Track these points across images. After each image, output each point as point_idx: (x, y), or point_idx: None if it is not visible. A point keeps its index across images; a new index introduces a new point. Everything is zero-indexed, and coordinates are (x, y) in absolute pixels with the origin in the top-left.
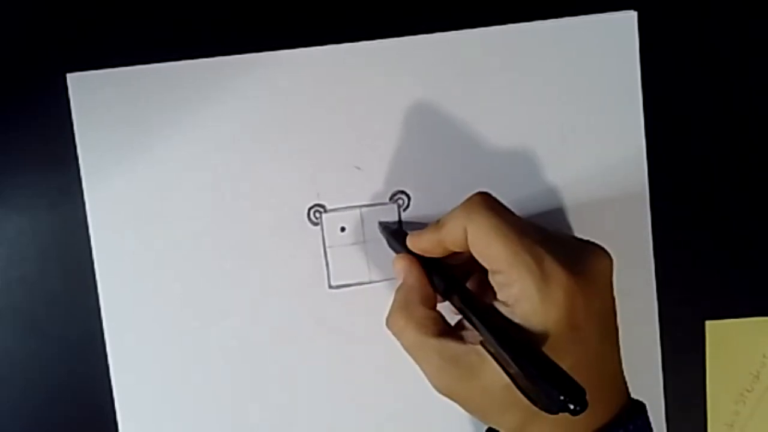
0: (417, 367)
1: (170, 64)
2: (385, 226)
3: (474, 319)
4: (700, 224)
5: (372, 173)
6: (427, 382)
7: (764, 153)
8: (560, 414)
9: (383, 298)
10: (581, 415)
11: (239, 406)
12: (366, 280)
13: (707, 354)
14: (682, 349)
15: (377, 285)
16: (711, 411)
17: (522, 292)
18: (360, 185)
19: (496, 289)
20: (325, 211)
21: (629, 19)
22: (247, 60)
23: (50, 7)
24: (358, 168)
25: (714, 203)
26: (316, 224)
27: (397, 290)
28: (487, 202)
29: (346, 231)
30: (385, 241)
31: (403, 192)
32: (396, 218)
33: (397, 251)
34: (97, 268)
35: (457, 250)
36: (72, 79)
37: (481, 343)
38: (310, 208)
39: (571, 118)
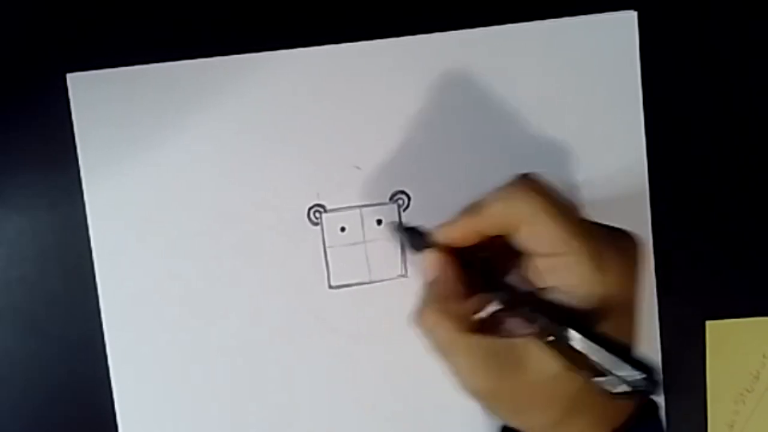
0: (417, 367)
1: (170, 64)
2: (397, 226)
3: (529, 307)
4: (700, 224)
5: (372, 173)
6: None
7: (764, 153)
8: (600, 405)
9: (383, 298)
10: (616, 406)
11: (239, 406)
12: (366, 280)
13: (707, 354)
14: (682, 349)
15: (377, 285)
16: (711, 411)
17: (580, 277)
18: (360, 185)
19: (542, 273)
20: (325, 211)
21: (629, 19)
22: (247, 60)
23: (50, 7)
24: (358, 168)
25: (714, 203)
26: (316, 224)
27: (429, 286)
28: (539, 184)
29: (346, 231)
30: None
31: (403, 192)
32: (396, 218)
33: (416, 248)
34: (97, 268)
35: (497, 233)
36: (72, 79)
37: (536, 335)
38: (310, 208)
39: (571, 118)
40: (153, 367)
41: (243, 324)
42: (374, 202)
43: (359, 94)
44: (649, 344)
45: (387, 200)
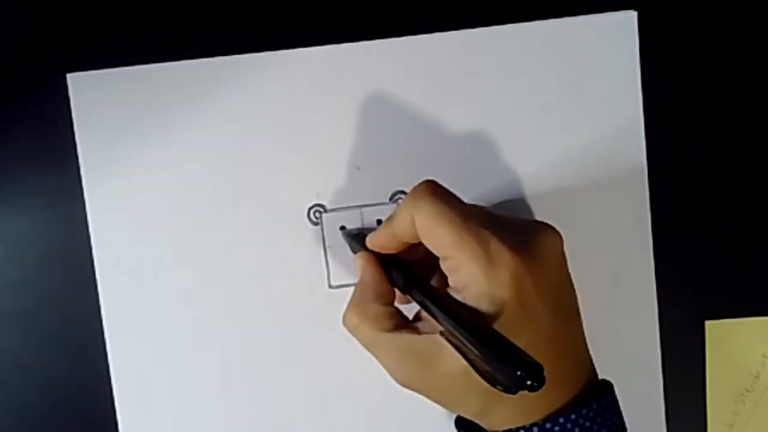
0: None
1: (170, 64)
2: (347, 233)
3: (431, 306)
4: (700, 225)
5: (372, 173)
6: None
7: (764, 154)
8: (520, 393)
9: None
10: (541, 394)
11: (239, 406)
12: None
13: (707, 354)
14: (682, 349)
15: None
16: (711, 411)
17: (469, 276)
18: (360, 185)
19: (447, 275)
20: (325, 211)
21: (629, 19)
22: (247, 60)
23: (50, 7)
24: (358, 168)
25: (714, 203)
26: (316, 224)
27: (354, 288)
28: (431, 189)
29: (346, 231)
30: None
31: (403, 192)
32: None
33: (354, 253)
34: (97, 268)
35: (409, 240)
36: (72, 79)
37: (441, 333)
38: (310, 208)
39: (571, 118)
40: (153, 367)
41: (243, 324)
42: (374, 202)
43: (359, 93)
44: (649, 344)
45: (387, 200)
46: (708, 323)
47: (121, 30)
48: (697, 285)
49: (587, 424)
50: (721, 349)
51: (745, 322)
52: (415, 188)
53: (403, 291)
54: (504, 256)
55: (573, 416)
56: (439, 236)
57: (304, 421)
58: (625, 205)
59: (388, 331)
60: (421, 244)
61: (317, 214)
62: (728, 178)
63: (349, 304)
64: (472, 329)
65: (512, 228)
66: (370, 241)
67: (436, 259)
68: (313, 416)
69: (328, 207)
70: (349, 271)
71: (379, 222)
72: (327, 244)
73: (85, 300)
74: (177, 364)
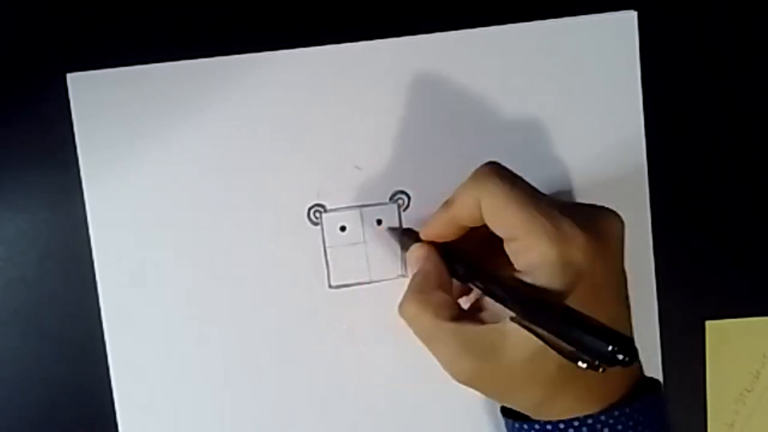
0: (418, 367)
1: (170, 64)
2: (395, 228)
3: (500, 292)
4: (700, 224)
5: (372, 173)
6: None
7: (764, 153)
8: (584, 380)
9: (383, 298)
10: (600, 384)
11: (239, 406)
12: (366, 280)
13: (707, 354)
14: (682, 349)
15: (377, 285)
16: (711, 411)
17: (541, 257)
18: (360, 185)
19: (512, 258)
20: (325, 211)
21: (629, 19)
22: (247, 60)
23: (50, 7)
24: (358, 168)
25: (714, 203)
26: (316, 224)
27: (412, 278)
28: (497, 170)
29: (346, 231)
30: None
31: (403, 192)
32: (396, 218)
33: (405, 248)
34: (97, 268)
35: (470, 224)
36: (72, 79)
37: (512, 319)
38: (310, 208)
39: (571, 117)
40: (153, 367)
41: (243, 324)
42: (374, 202)
43: (359, 94)
44: (649, 344)
45: (387, 200)
46: (708, 323)
47: (121, 30)
48: (697, 285)
49: (641, 418)
50: (721, 349)
51: (745, 322)
52: (478, 170)
53: (464, 281)
54: (577, 236)
55: (627, 410)
56: (508, 217)
57: (304, 420)
58: (625, 205)
59: (450, 320)
60: (472, 232)
61: (317, 214)
62: (728, 178)
63: (405, 295)
64: (553, 308)
65: (579, 210)
66: (426, 231)
67: (487, 247)
68: (313, 416)
69: (328, 207)
70: (349, 270)
71: (379, 222)
72: (327, 244)
73: (85, 300)
74: (177, 364)
